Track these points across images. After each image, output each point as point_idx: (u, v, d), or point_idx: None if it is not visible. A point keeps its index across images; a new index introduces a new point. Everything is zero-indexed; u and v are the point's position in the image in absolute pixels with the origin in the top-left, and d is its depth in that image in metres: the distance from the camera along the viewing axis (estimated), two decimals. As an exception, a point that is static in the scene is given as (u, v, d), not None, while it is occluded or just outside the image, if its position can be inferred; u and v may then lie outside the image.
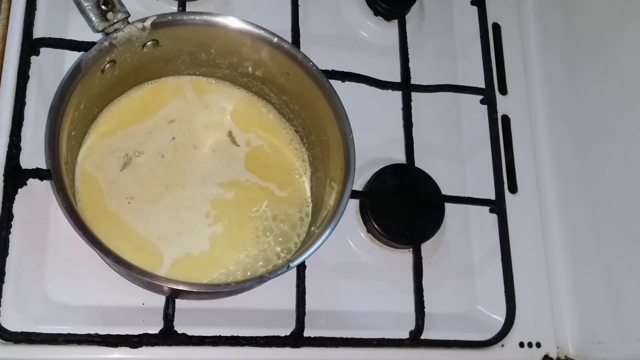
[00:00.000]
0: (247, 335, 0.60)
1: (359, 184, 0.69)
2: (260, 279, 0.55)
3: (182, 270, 0.59)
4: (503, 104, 0.78)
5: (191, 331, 0.59)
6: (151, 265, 0.59)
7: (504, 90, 0.79)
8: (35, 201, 0.60)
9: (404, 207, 0.68)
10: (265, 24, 0.60)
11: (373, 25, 0.77)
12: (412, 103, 0.73)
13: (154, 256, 0.60)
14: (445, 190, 0.71)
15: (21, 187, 0.59)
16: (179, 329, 0.59)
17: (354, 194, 0.67)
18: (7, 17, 0.64)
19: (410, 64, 0.74)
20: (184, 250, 0.60)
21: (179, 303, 0.60)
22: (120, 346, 0.57)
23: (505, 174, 0.75)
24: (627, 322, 0.65)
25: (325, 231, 0.55)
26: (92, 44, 0.56)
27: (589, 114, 0.72)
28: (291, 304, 0.62)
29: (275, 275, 0.54)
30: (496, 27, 0.81)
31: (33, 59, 0.62)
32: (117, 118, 0.63)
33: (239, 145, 0.66)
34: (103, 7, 0.56)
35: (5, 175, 0.59)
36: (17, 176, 0.59)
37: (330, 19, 0.76)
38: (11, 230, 0.58)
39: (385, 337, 0.64)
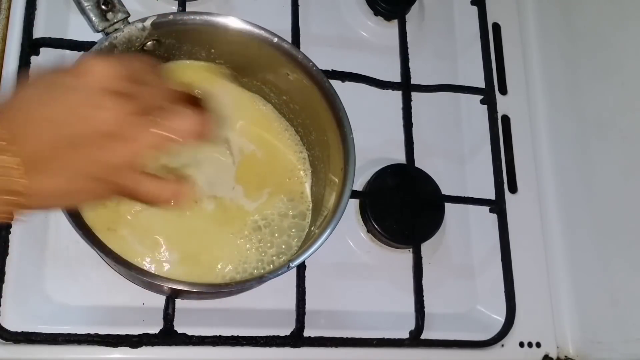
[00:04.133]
0: (247, 335, 0.60)
1: (359, 184, 0.69)
2: (260, 279, 0.55)
3: (181, 269, 0.59)
4: (503, 104, 0.78)
5: (191, 331, 0.59)
6: (151, 261, 0.59)
7: (504, 90, 0.79)
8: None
9: (404, 207, 0.68)
10: (265, 24, 0.60)
11: (373, 25, 0.77)
12: (412, 103, 0.73)
13: (153, 252, 0.59)
14: (445, 190, 0.71)
15: (21, 187, 0.59)
16: (179, 329, 0.59)
17: (354, 194, 0.67)
18: (7, 17, 0.64)
19: (410, 64, 0.74)
20: (183, 248, 0.60)
21: (179, 303, 0.60)
22: (120, 346, 0.58)
23: (505, 174, 0.75)
24: (627, 322, 0.65)
25: (325, 231, 0.55)
26: (92, 44, 0.56)
27: (589, 114, 0.72)
28: (291, 304, 0.62)
29: (275, 275, 0.54)
30: (496, 27, 0.81)
31: (33, 59, 0.62)
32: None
33: (238, 145, 0.66)
34: (103, 7, 0.56)
35: (5, 175, 0.59)
36: (17, 176, 0.59)
37: (330, 19, 0.76)
38: (11, 230, 0.58)
39: (385, 337, 0.64)
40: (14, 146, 0.38)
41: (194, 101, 0.47)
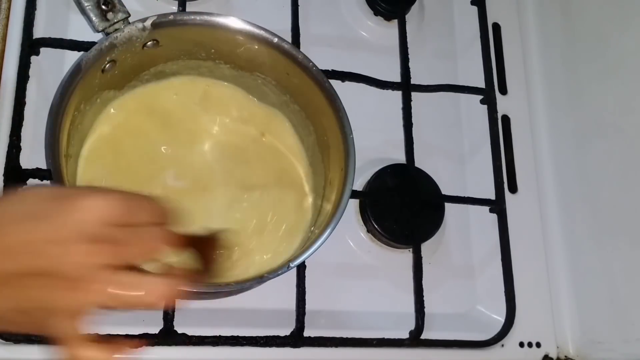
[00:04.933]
0: (247, 335, 0.60)
1: (359, 184, 0.69)
2: (260, 279, 0.55)
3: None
4: (503, 104, 0.78)
5: (191, 331, 0.59)
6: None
7: (504, 90, 0.79)
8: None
9: (404, 207, 0.68)
10: (265, 24, 0.60)
11: (373, 25, 0.77)
12: (412, 103, 0.73)
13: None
14: (445, 190, 0.71)
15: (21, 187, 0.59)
16: (179, 329, 0.59)
17: (354, 194, 0.67)
18: (7, 17, 0.64)
19: (410, 64, 0.74)
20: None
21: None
22: (120, 346, 0.57)
23: (505, 174, 0.75)
24: (627, 322, 0.65)
25: (325, 231, 0.55)
26: (92, 44, 0.56)
27: (589, 114, 0.72)
28: (291, 304, 0.62)
29: (275, 275, 0.54)
30: (496, 27, 0.81)
31: (33, 59, 0.62)
32: (117, 118, 0.63)
33: (237, 145, 0.66)
34: (103, 7, 0.56)
35: (5, 175, 0.59)
36: (17, 176, 0.59)
37: (330, 19, 0.76)
38: (11, 230, 0.58)
39: (385, 337, 0.64)
40: None
41: (200, 242, 0.46)
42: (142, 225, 0.41)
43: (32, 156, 0.60)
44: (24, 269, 0.38)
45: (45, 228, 0.38)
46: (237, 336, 0.60)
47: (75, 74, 0.54)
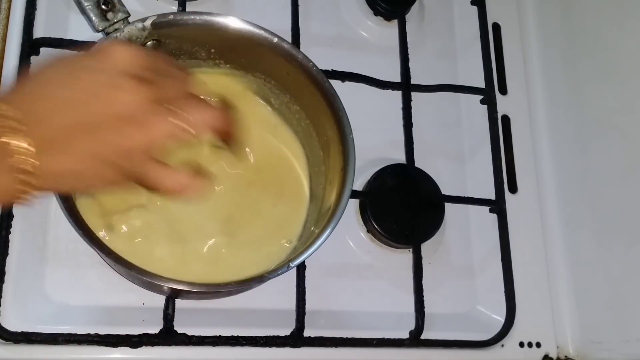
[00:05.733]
0: (247, 335, 0.60)
1: (359, 184, 0.69)
2: (260, 279, 0.55)
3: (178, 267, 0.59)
4: (503, 104, 0.78)
5: (191, 331, 0.59)
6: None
7: (504, 90, 0.79)
8: (35, 201, 0.60)
9: (404, 207, 0.68)
10: (265, 24, 0.60)
11: (373, 25, 0.77)
12: (412, 103, 0.73)
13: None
14: (445, 190, 0.71)
15: (21, 187, 0.59)
16: (179, 329, 0.59)
17: (354, 194, 0.67)
18: (7, 17, 0.64)
19: (410, 64, 0.74)
20: (181, 250, 0.60)
21: (179, 303, 0.60)
22: (120, 346, 0.58)
23: (505, 174, 0.75)
24: (627, 322, 0.65)
25: (325, 231, 0.55)
26: (92, 44, 0.56)
27: (589, 114, 0.72)
28: (291, 304, 0.62)
29: (275, 275, 0.54)
30: (496, 27, 0.81)
31: (33, 59, 0.62)
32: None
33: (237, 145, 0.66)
34: (103, 7, 0.56)
35: (5, 175, 0.59)
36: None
37: (330, 19, 0.76)
38: (11, 230, 0.58)
39: (385, 337, 0.64)
40: (26, 127, 0.38)
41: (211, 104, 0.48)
42: (167, 72, 0.44)
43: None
44: (82, 119, 0.40)
45: (88, 78, 0.41)
46: (237, 336, 0.60)
47: (75, 74, 0.54)
